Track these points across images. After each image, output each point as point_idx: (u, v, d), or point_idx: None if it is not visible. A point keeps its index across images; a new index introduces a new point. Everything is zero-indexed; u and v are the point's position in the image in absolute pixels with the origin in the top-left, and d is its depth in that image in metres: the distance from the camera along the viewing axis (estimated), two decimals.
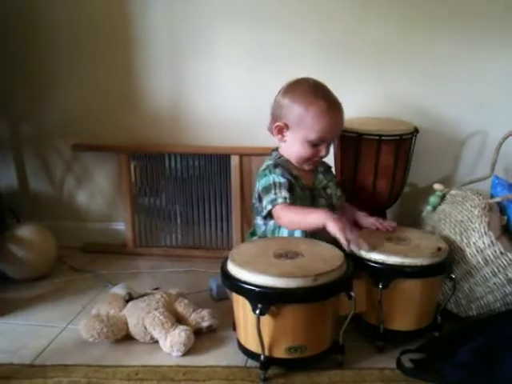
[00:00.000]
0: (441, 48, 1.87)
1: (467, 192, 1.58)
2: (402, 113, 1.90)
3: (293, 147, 1.54)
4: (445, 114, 1.93)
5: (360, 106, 1.90)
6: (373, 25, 1.87)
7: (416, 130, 1.81)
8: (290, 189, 1.49)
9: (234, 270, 1.28)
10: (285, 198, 1.46)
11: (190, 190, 2.00)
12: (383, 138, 1.73)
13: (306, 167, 1.57)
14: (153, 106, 2.02)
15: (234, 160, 1.94)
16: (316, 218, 1.43)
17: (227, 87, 1.97)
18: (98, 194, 2.13)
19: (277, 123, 1.53)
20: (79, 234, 2.10)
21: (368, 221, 1.59)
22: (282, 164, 1.54)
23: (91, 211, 2.14)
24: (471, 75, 1.89)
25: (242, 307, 1.28)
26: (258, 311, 1.21)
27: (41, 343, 1.44)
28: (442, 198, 1.66)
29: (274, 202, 1.47)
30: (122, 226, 2.08)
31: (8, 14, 1.96)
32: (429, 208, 1.68)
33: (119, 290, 1.53)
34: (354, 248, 1.37)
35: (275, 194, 1.47)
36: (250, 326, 1.26)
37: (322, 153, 1.54)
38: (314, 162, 1.57)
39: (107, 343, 1.42)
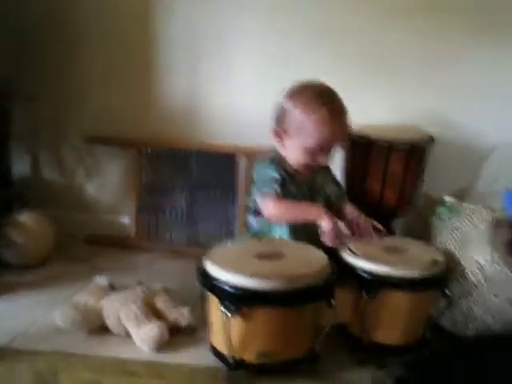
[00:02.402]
0: (464, 57, 1.83)
1: (478, 205, 1.49)
2: (421, 121, 1.84)
3: (290, 153, 1.51)
4: (466, 124, 1.87)
5: (378, 113, 1.87)
6: (389, 32, 1.85)
7: (431, 140, 1.73)
8: (283, 185, 1.48)
9: (208, 267, 1.23)
10: (276, 192, 1.45)
11: (197, 188, 1.99)
12: (393, 145, 1.66)
13: (303, 172, 1.55)
14: (168, 104, 2.02)
15: (243, 160, 1.92)
16: (309, 211, 1.44)
17: (242, 88, 1.98)
18: (107, 186, 2.12)
19: (275, 128, 1.51)
20: (84, 224, 2.10)
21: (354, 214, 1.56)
22: (278, 160, 1.52)
23: (99, 203, 2.14)
24: (496, 85, 1.84)
25: (214, 306, 1.23)
26: (228, 311, 1.15)
27: (16, 327, 1.42)
28: (452, 210, 1.57)
29: (264, 194, 1.47)
30: (127, 219, 2.08)
31: (35, 7, 1.99)
32: (437, 220, 1.59)
33: (102, 281, 1.52)
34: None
35: (267, 187, 1.46)
36: (219, 327, 1.21)
37: (321, 161, 1.50)
38: (312, 167, 1.54)
39: (82, 333, 1.39)
